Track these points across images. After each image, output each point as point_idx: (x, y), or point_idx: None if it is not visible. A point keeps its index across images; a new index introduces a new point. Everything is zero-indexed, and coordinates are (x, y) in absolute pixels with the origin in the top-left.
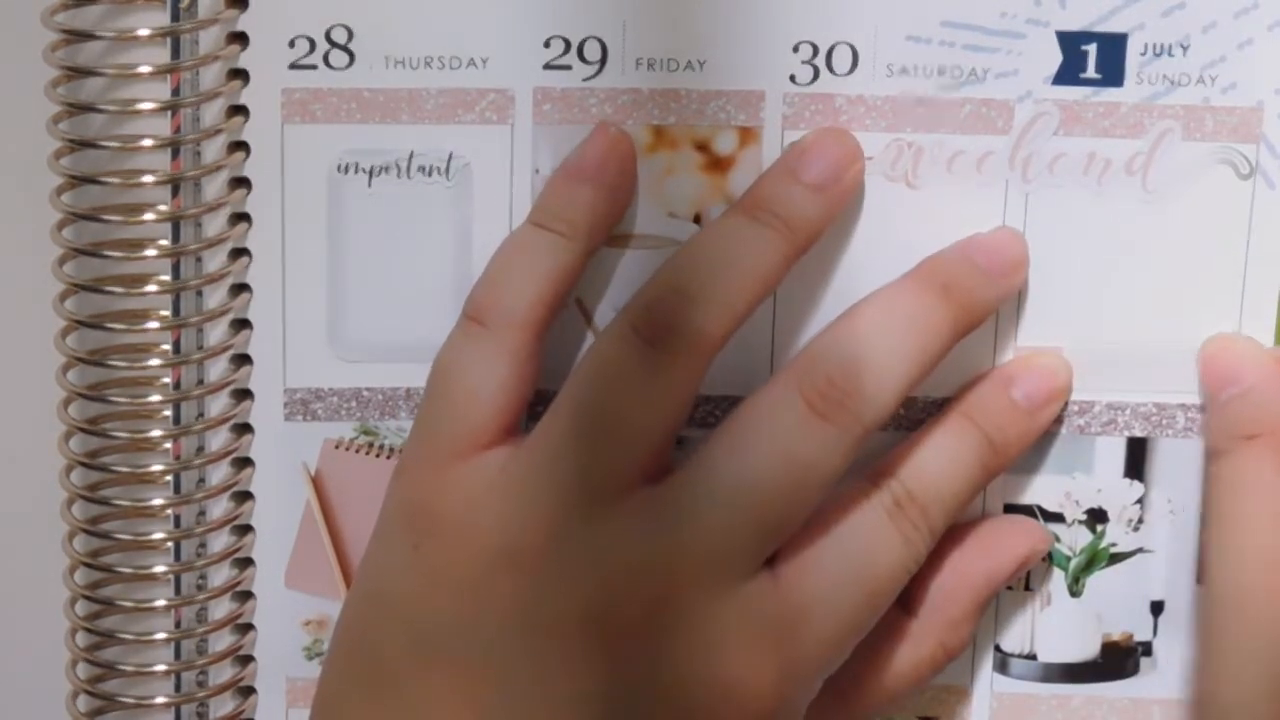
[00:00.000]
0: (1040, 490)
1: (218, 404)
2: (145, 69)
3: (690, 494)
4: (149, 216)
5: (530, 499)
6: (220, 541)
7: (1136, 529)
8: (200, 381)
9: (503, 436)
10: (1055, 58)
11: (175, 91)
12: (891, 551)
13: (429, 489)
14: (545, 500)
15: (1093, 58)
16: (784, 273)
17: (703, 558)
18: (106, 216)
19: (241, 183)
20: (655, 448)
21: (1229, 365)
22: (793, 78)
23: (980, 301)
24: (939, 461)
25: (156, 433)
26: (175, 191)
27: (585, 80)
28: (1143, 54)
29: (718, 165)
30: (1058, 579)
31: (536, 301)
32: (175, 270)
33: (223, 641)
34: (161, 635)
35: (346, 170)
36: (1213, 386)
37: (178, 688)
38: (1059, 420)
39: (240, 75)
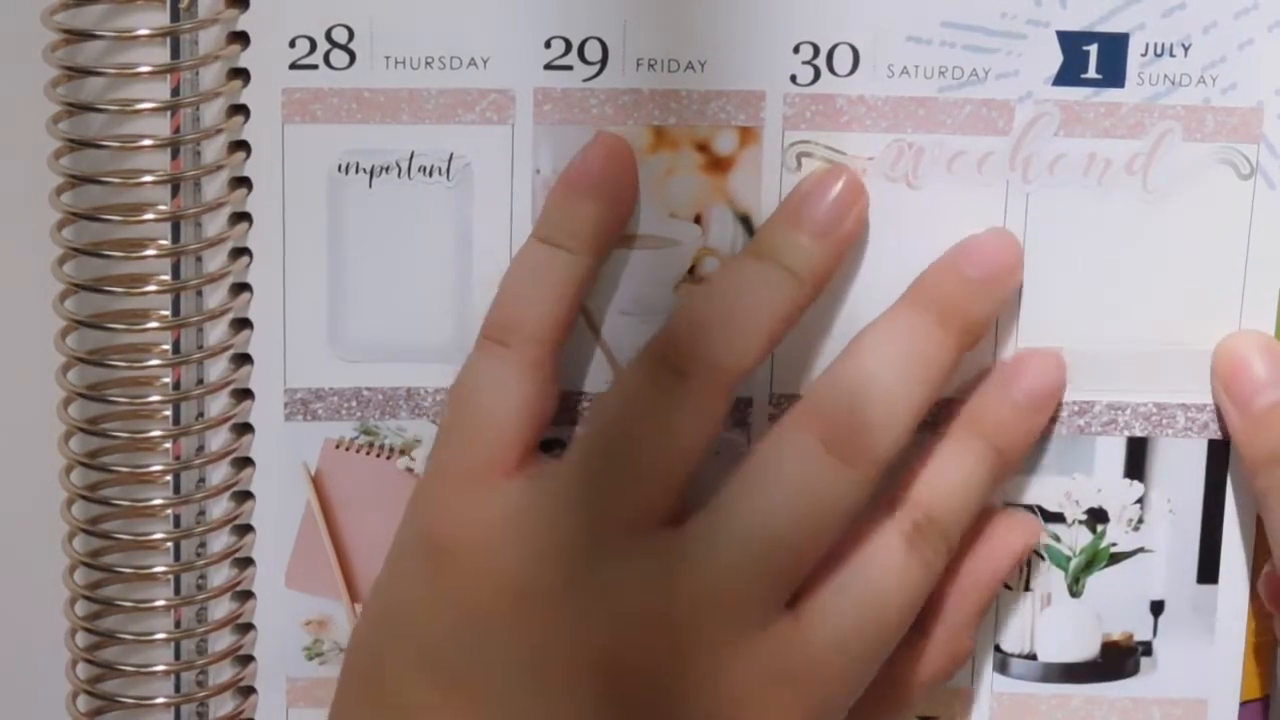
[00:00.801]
0: (1040, 490)
1: (218, 404)
2: (145, 69)
3: (708, 541)
4: (149, 216)
5: (548, 538)
6: (220, 541)
7: (1136, 529)
8: (200, 381)
9: (526, 456)
10: (1056, 58)
11: (175, 91)
12: (912, 579)
13: (450, 518)
14: (562, 540)
15: (1093, 58)
16: (796, 317)
17: (721, 607)
18: (106, 216)
19: (242, 182)
20: (675, 487)
21: (1254, 368)
22: (793, 78)
23: (979, 317)
24: (951, 480)
25: (156, 432)
26: (175, 191)
27: (586, 81)
28: (1143, 54)
29: (718, 165)
30: (1058, 579)
31: (554, 319)
32: (175, 270)
33: (223, 641)
34: (161, 635)
35: (347, 170)
36: (1241, 393)
37: (177, 688)
38: (1058, 420)
39: (241, 75)
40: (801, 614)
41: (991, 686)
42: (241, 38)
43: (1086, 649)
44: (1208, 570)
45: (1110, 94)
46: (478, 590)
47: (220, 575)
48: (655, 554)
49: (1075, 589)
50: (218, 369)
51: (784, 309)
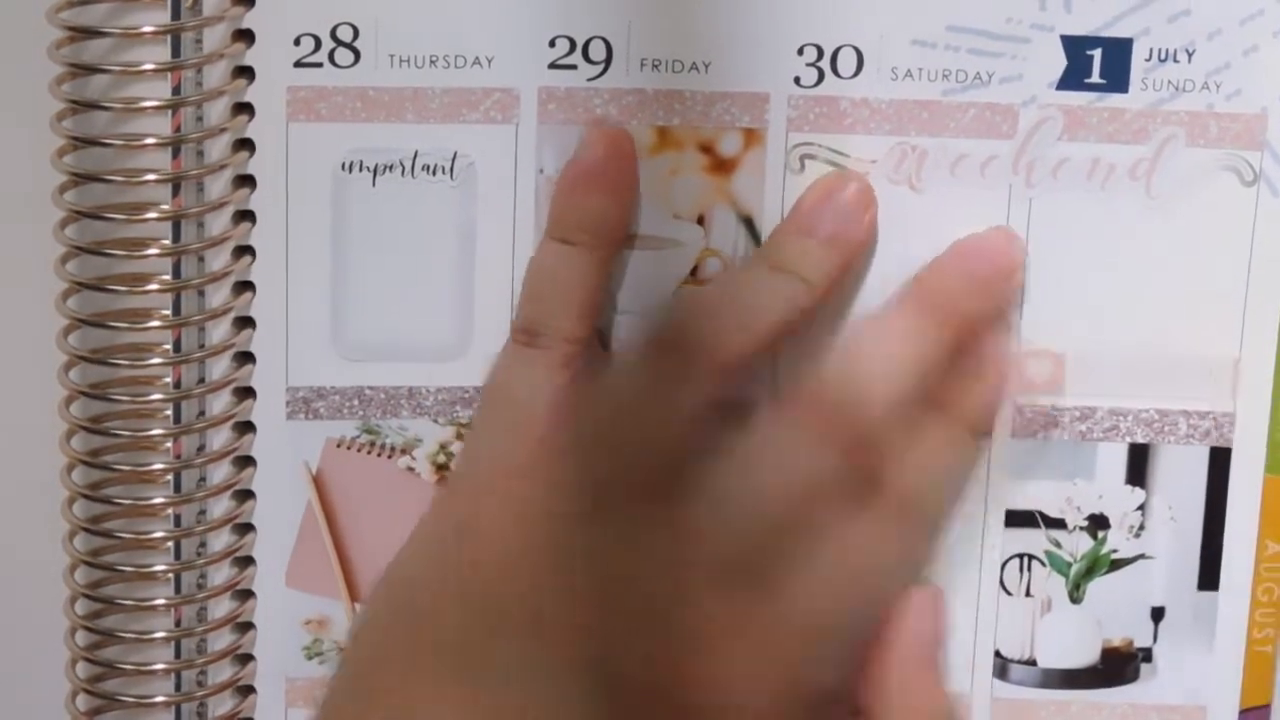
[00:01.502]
0: (1042, 496)
1: (220, 402)
2: (149, 66)
3: (693, 516)
4: (151, 215)
5: (546, 510)
6: (221, 540)
7: (1138, 535)
8: (201, 380)
9: None
10: (1060, 63)
11: (175, 90)
12: (881, 549)
13: (484, 511)
14: (556, 509)
15: (1098, 63)
16: (799, 320)
17: (710, 578)
18: (109, 215)
19: (246, 181)
20: (667, 463)
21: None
22: (797, 80)
23: (979, 314)
24: (919, 453)
25: (158, 431)
26: (176, 190)
27: (590, 80)
28: (1148, 60)
29: (722, 167)
30: (1058, 585)
31: (580, 315)
32: (175, 269)
33: (222, 640)
34: (161, 634)
35: (351, 169)
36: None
37: (177, 686)
38: (1060, 426)
39: (245, 73)
40: (779, 591)
41: (991, 692)
42: (246, 36)
43: (1086, 655)
44: (1208, 577)
45: (1114, 99)
46: (495, 579)
47: (220, 574)
48: (648, 524)
49: (1076, 595)
50: (220, 367)
51: (789, 311)
